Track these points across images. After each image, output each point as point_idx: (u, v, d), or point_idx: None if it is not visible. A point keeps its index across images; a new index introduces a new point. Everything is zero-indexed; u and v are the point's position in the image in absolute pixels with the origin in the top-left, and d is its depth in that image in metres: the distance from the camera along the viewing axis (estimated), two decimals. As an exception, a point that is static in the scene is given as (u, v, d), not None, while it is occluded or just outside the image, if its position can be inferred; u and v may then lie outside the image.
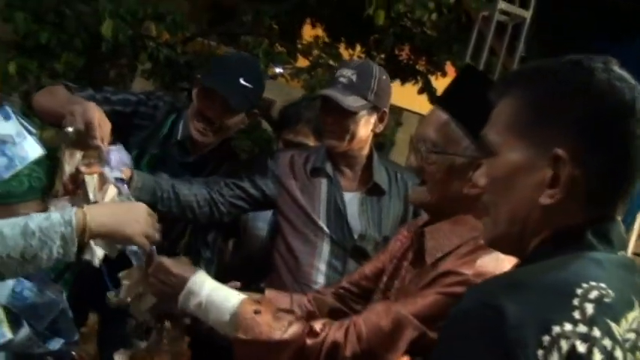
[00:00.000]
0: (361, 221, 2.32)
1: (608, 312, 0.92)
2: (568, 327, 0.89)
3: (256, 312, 1.55)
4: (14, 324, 1.62)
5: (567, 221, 1.02)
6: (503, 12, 4.97)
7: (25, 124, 1.79)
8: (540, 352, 0.87)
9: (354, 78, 2.25)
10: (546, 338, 0.88)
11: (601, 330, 0.90)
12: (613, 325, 0.92)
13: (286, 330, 1.51)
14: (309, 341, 1.50)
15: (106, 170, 1.83)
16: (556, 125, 1.01)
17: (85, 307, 2.48)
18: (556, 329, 0.88)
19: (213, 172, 2.41)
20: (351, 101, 2.21)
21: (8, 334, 1.59)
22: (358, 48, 6.54)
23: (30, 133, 1.77)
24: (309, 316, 1.74)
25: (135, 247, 1.72)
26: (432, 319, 1.45)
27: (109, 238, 1.57)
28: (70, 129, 1.84)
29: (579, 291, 0.92)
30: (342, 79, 2.27)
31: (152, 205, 1.99)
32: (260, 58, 5.67)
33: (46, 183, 1.70)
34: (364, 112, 2.25)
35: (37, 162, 1.69)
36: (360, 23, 5.74)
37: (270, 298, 1.80)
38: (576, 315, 0.90)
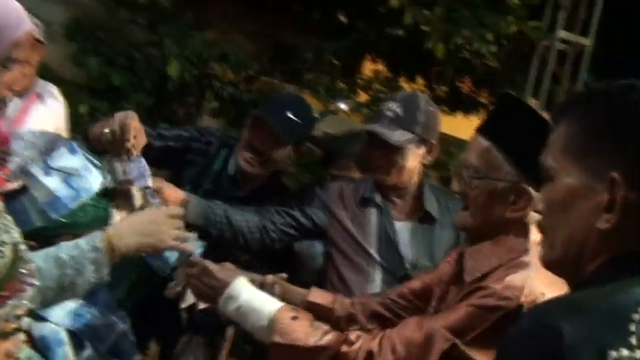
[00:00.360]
0: (413, 250, 2.32)
1: None
2: (625, 352, 0.90)
3: (294, 318, 1.62)
4: (77, 346, 1.72)
5: (624, 245, 1.03)
6: (564, 41, 4.93)
7: (91, 157, 1.91)
8: None
9: (399, 111, 2.26)
10: None
11: None
12: None
13: (322, 337, 1.58)
14: (344, 348, 1.55)
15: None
16: (611, 149, 1.03)
17: (147, 336, 2.56)
18: (613, 354, 0.89)
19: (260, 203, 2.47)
20: (398, 135, 2.22)
21: (71, 356, 1.69)
22: (419, 81, 6.57)
23: (95, 166, 1.89)
24: (348, 318, 1.80)
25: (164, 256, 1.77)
26: (462, 331, 1.51)
27: (140, 252, 1.64)
28: (107, 130, 1.95)
29: (636, 316, 0.93)
30: (388, 113, 2.28)
31: (205, 229, 2.08)
32: (321, 94, 5.80)
33: (109, 213, 1.80)
34: (411, 146, 2.26)
35: (101, 193, 1.79)
36: (419, 56, 5.78)
37: (312, 300, 1.86)
38: (633, 340, 0.91)
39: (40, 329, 1.63)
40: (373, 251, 2.30)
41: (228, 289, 1.72)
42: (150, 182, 1.93)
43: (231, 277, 1.76)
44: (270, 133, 2.35)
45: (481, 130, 1.71)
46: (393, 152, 2.26)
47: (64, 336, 1.68)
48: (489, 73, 5.76)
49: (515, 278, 1.52)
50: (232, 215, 2.23)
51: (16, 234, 1.05)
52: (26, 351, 1.42)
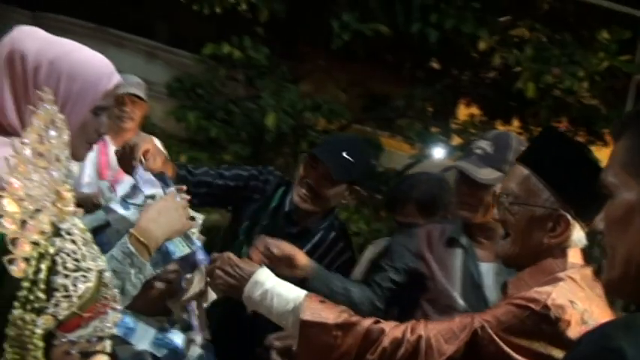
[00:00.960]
0: (498, 292, 2.26)
1: None
2: None
3: (322, 301, 1.70)
4: None
5: None
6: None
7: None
8: None
9: (489, 149, 2.22)
10: None
11: None
12: None
13: (352, 316, 1.66)
14: (374, 326, 1.63)
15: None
16: None
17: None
18: None
19: (318, 245, 2.52)
20: (486, 173, 2.18)
21: None
22: (515, 123, 6.49)
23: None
24: None
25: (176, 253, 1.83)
26: (498, 321, 1.58)
27: (168, 239, 1.72)
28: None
29: None
30: (477, 151, 2.24)
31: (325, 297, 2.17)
32: (414, 140, 5.86)
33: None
34: (500, 185, 2.22)
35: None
36: (513, 98, 5.74)
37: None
38: None
39: (125, 352, 1.75)
40: (457, 294, 2.25)
41: (254, 276, 1.79)
42: (160, 191, 1.93)
43: (256, 266, 1.84)
44: (324, 172, 2.42)
45: (521, 159, 1.75)
46: (480, 190, 2.19)
47: (148, 357, 1.80)
48: (585, 110, 5.63)
49: (545, 287, 1.58)
50: (352, 291, 2.27)
51: (102, 262, 1.17)
52: None
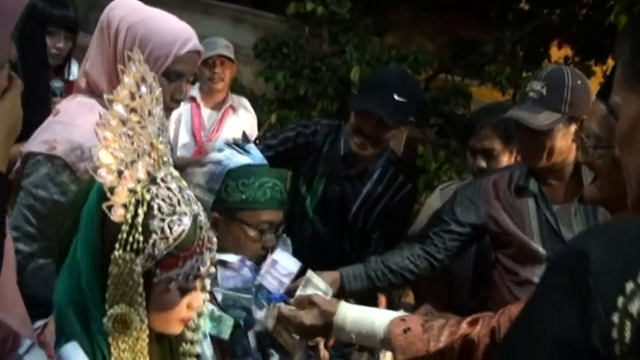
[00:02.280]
0: (577, 233, 2.18)
1: None
2: None
3: (405, 331, 1.59)
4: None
5: None
6: None
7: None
8: (620, 300, 0.78)
9: (543, 92, 2.12)
10: (629, 285, 0.79)
11: None
12: None
13: (439, 338, 1.56)
14: (467, 330, 1.54)
15: None
16: None
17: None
18: (632, 283, 0.79)
19: (377, 182, 2.54)
20: (543, 119, 2.09)
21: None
22: (611, 62, 6.20)
23: None
24: None
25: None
26: None
27: None
28: None
29: None
30: (531, 94, 2.14)
31: (373, 288, 2.14)
32: (504, 86, 5.72)
33: (285, 197, 2.01)
34: (560, 126, 2.11)
35: (280, 178, 2.00)
36: (607, 34, 5.48)
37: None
38: None
39: (221, 293, 1.84)
40: (536, 244, 2.17)
41: (333, 327, 1.67)
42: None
43: (322, 317, 1.70)
44: (379, 120, 2.35)
45: (601, 95, 1.60)
46: (539, 136, 2.09)
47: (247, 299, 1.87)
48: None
49: None
50: (390, 261, 2.22)
51: (196, 207, 1.24)
52: (209, 306, 1.62)
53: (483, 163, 2.55)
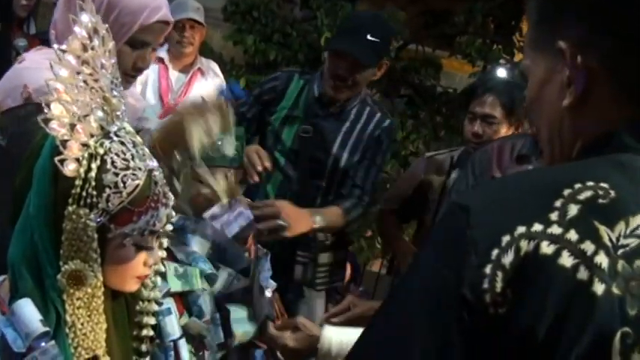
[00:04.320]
0: None
1: (600, 214, 0.80)
2: (537, 227, 0.79)
3: None
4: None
5: (599, 125, 0.90)
6: None
7: None
8: (494, 252, 0.79)
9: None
10: (506, 238, 0.79)
11: (581, 233, 0.79)
12: (603, 228, 0.80)
13: None
14: None
15: None
16: (560, 18, 0.92)
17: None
18: (520, 229, 0.79)
19: (356, 120, 2.56)
20: None
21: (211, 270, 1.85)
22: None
23: None
24: None
25: None
26: None
27: None
28: None
29: (567, 191, 0.82)
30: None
31: None
32: (473, 57, 5.72)
33: (240, 155, 2.00)
34: None
35: (237, 137, 1.97)
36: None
37: None
38: (553, 216, 0.80)
39: (181, 251, 1.82)
40: None
41: (319, 350, 1.68)
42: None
43: (307, 343, 1.71)
44: (353, 60, 2.42)
45: None
46: None
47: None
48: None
49: None
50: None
51: (152, 162, 1.23)
52: (171, 265, 1.61)
53: (480, 129, 2.59)
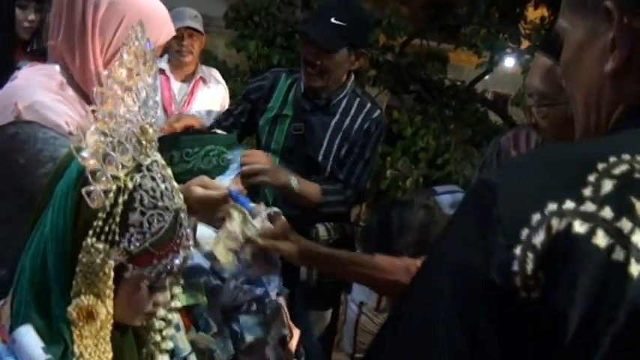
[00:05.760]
0: None
1: (637, 189, 0.75)
2: (569, 205, 0.74)
3: None
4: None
5: None
6: None
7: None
8: (524, 232, 0.73)
9: None
10: (536, 216, 0.74)
11: (617, 210, 0.74)
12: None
13: None
14: None
15: None
16: None
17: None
18: (551, 207, 0.74)
19: (345, 113, 2.50)
20: None
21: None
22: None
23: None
24: None
25: None
26: None
27: None
28: None
29: (601, 165, 0.76)
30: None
31: None
32: (480, 48, 5.65)
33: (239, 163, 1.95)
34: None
35: (227, 144, 1.92)
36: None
37: None
38: (586, 192, 0.75)
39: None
40: None
41: None
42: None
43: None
44: (316, 44, 2.37)
45: (542, 47, 1.52)
46: None
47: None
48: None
49: None
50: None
51: (179, 200, 1.17)
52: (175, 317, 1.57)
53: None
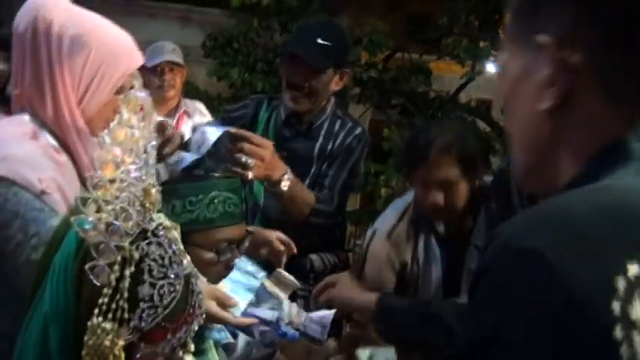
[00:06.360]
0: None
1: None
2: (637, 269, 0.61)
3: None
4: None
5: (592, 132, 0.76)
6: None
7: None
8: (616, 304, 0.59)
9: None
10: (621, 283, 0.60)
11: None
12: None
13: None
14: None
15: None
16: (541, 9, 0.79)
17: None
18: (634, 268, 0.61)
19: (328, 135, 2.42)
20: None
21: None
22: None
23: None
24: None
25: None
26: None
27: None
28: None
29: None
30: None
31: None
32: (463, 58, 5.60)
33: (242, 209, 1.85)
34: None
35: (231, 189, 1.84)
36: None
37: None
38: None
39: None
40: None
41: None
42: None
43: None
44: (305, 65, 2.33)
45: None
46: None
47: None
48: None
49: None
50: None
51: (188, 263, 1.07)
52: None
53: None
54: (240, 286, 1.71)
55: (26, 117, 1.55)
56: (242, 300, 1.71)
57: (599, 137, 0.75)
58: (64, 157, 1.52)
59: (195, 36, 5.32)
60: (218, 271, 1.70)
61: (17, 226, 1.39)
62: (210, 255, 1.67)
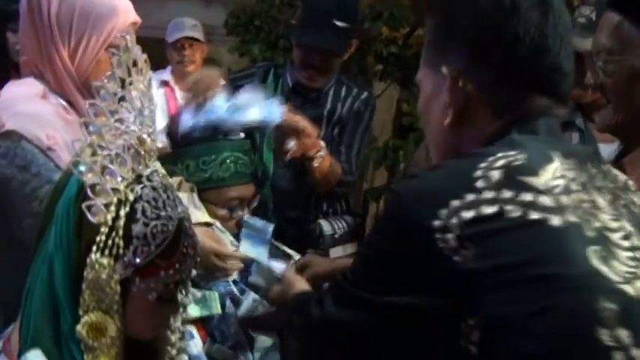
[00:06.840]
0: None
1: (521, 171, 0.90)
2: (470, 197, 0.88)
3: None
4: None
5: (475, 140, 1.02)
6: None
7: None
8: (437, 223, 0.87)
9: (592, 15, 2.05)
10: (443, 212, 0.87)
11: (513, 189, 0.88)
12: (530, 179, 0.89)
13: None
14: None
15: None
16: (446, 45, 1.04)
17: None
18: (454, 203, 0.87)
19: (335, 99, 2.53)
20: (589, 43, 2.03)
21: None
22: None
23: None
24: None
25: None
26: None
27: None
28: None
29: (482, 164, 0.91)
30: (580, 20, 2.08)
31: None
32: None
33: (252, 169, 1.92)
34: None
35: (242, 149, 1.90)
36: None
37: None
38: (479, 184, 0.89)
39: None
40: None
41: None
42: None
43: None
44: (326, 50, 2.35)
45: (610, 4, 1.43)
46: (586, 59, 2.05)
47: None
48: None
49: None
50: None
51: (182, 208, 1.15)
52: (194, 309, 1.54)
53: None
54: (257, 241, 1.79)
55: (33, 79, 1.62)
56: (261, 253, 1.79)
57: (488, 137, 1.02)
58: (73, 116, 1.60)
59: (218, 15, 5.35)
60: (230, 227, 1.79)
61: (22, 179, 1.48)
62: (223, 212, 1.77)
